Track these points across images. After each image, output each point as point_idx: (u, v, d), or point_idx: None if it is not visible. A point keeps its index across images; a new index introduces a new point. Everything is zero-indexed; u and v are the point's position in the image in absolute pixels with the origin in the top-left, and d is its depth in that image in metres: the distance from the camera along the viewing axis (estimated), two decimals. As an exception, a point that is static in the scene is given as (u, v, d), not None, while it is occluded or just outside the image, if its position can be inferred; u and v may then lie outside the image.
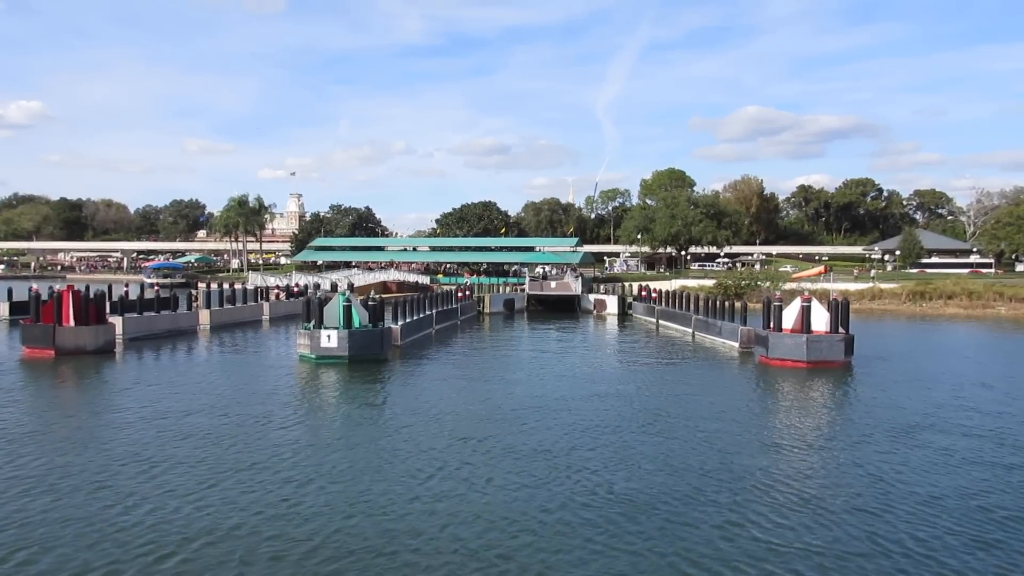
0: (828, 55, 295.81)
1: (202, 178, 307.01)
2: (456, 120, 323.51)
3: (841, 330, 33.73)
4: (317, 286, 67.63)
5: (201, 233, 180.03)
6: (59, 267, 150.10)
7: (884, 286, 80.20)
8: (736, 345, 39.17)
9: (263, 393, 26.99)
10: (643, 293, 60.84)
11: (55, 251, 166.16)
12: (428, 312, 46.40)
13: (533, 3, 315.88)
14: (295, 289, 61.35)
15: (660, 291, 58.15)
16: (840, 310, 33.74)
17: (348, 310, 33.63)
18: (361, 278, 78.32)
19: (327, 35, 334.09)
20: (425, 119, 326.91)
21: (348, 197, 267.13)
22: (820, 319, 33.70)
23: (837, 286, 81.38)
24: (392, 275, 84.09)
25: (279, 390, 27.69)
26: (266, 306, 55.19)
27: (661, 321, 53.50)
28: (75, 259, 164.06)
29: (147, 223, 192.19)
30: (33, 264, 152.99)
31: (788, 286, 79.66)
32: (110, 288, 56.39)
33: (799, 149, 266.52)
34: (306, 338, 33.74)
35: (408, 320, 41.56)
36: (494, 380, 30.47)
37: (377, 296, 36.73)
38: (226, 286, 67.96)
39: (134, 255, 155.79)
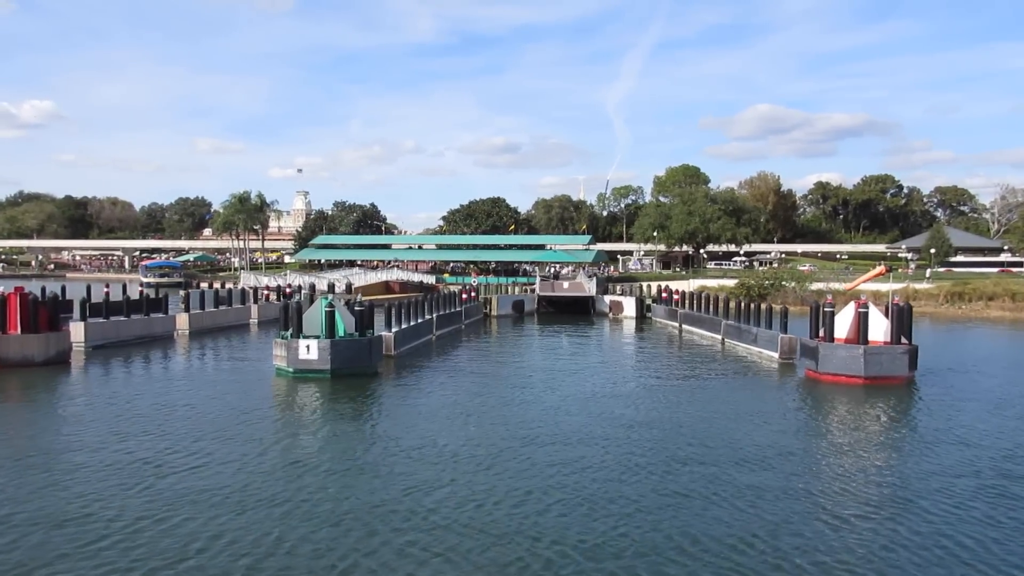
0: (840, 53, 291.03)
1: (214, 178, 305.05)
2: (467, 119, 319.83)
3: (904, 340, 28.99)
4: (312, 286, 63.32)
5: (207, 231, 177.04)
6: (53, 266, 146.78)
7: (919, 286, 75.27)
8: (776, 356, 34.43)
9: (218, 416, 22.49)
10: (664, 295, 56.08)
11: (57, 249, 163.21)
12: (428, 316, 41.87)
13: (545, 1, 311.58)
14: (287, 290, 56.91)
15: (682, 292, 53.43)
16: (902, 317, 28.98)
17: (331, 316, 29.11)
18: (362, 278, 73.93)
19: (339, 34, 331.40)
20: (435, 118, 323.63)
21: (357, 196, 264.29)
22: (878, 327, 28.94)
23: (866, 285, 76.49)
24: (395, 275, 79.72)
25: (237, 413, 23.13)
26: (254, 308, 50.75)
27: (684, 326, 48.76)
28: (80, 258, 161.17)
29: (153, 221, 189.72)
30: (33, 262, 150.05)
31: (818, 286, 75.10)
32: (89, 289, 52.56)
33: (810, 147, 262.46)
34: (282, 348, 29.24)
35: (404, 326, 37.04)
36: (492, 403, 25.79)
37: (365, 299, 32.27)
38: (216, 286, 63.92)
39: (136, 253, 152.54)
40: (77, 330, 35.89)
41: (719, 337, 42.09)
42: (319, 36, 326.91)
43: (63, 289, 54.70)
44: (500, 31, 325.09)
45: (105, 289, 50.08)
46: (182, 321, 43.63)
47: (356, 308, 30.48)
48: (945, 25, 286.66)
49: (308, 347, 28.54)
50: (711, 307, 46.54)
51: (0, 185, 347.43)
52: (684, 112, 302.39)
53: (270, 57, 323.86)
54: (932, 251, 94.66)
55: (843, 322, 29.33)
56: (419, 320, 39.97)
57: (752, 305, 40.10)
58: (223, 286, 63.95)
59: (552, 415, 23.38)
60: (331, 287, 63.26)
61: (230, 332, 46.43)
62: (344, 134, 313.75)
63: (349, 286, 65.13)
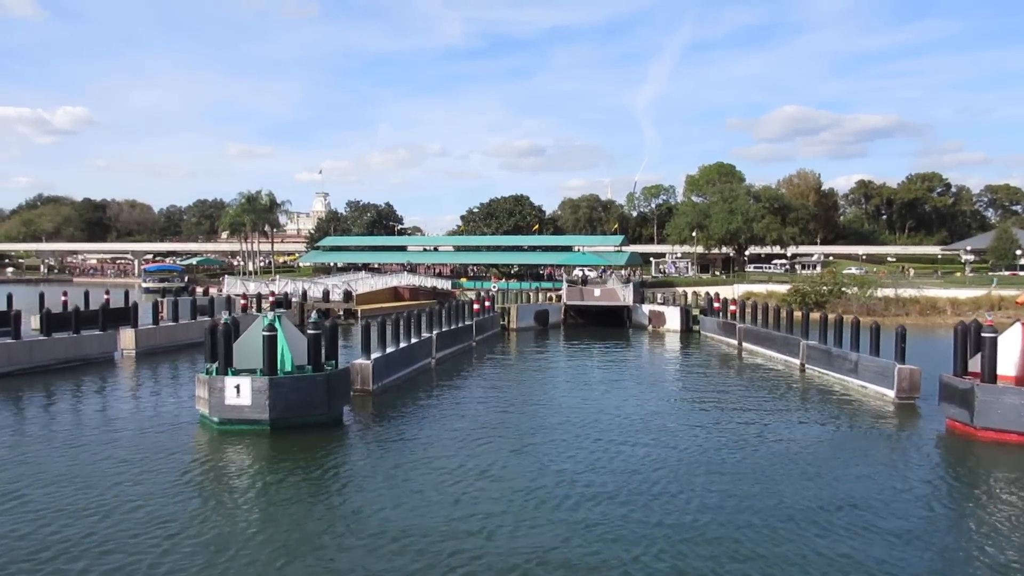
0: (873, 53, 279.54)
1: (241, 182, 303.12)
2: (493, 122, 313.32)
3: (1103, 382, 19.84)
4: (304, 294, 55.14)
5: (226, 234, 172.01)
6: (50, 269, 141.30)
7: (1003, 293, 65.44)
8: (890, 394, 25.34)
9: (82, 498, 14.18)
10: (716, 306, 46.94)
11: (73, 253, 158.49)
12: (425, 335, 33.27)
13: (575, 3, 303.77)
14: (271, 299, 48.56)
15: (739, 302, 44.34)
16: (1099, 347, 19.81)
17: (272, 343, 20.63)
18: (366, 283, 65.52)
19: (369, 38, 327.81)
20: (462, 121, 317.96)
21: (380, 199, 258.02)
22: (1062, 362, 19.88)
23: (940, 292, 66.68)
24: (405, 279, 71.28)
25: (111, 495, 14.79)
26: (224, 322, 42.43)
27: (746, 344, 39.67)
28: (96, 261, 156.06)
29: (171, 224, 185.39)
30: (42, 266, 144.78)
31: (885, 292, 65.46)
32: (42, 297, 45.13)
33: (839, 149, 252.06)
34: (204, 389, 20.87)
35: (390, 350, 28.46)
36: (495, 473, 17.22)
37: (325, 315, 23.86)
38: (199, 291, 56.37)
39: (150, 256, 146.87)
40: (-29, 354, 28.04)
41: (797, 362, 32.95)
42: (350, 41, 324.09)
43: (9, 297, 47.33)
44: (528, 34, 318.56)
45: (63, 297, 42.59)
46: (127, 339, 35.53)
47: (311, 330, 21.92)
48: (979, 25, 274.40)
49: (238, 387, 20.09)
50: (779, 321, 37.54)
51: (33, 191, 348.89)
52: (712, 114, 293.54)
53: (301, 62, 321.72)
54: (1019, 252, 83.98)
55: (1009, 353, 20.26)
56: (413, 340, 31.32)
57: (843, 320, 30.93)
58: (206, 293, 56.20)
59: (572, 507, 14.71)
60: (326, 295, 55.04)
61: (193, 351, 38.26)
62: (371, 137, 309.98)
63: (348, 294, 56.80)
